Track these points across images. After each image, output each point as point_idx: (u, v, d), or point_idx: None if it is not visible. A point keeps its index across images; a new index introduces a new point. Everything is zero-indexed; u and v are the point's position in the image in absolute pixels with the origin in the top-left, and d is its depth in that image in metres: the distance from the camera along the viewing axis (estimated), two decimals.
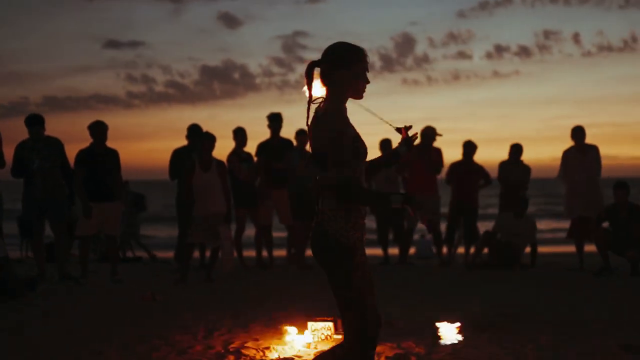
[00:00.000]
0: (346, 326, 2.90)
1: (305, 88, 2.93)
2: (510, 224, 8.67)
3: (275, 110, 9.38)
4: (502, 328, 5.03)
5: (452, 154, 16.27)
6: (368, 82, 2.94)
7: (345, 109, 2.94)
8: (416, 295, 6.62)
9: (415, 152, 8.87)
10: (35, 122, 7.38)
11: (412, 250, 9.89)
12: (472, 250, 9.20)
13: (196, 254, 8.52)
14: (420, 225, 10.27)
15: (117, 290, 7.17)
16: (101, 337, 4.85)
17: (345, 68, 2.88)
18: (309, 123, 2.94)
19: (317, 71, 2.94)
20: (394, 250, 9.63)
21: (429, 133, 8.96)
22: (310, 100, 2.93)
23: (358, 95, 2.95)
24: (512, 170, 9.15)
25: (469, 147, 9.25)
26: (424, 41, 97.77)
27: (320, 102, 2.94)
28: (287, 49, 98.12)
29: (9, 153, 7.18)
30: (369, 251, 3.19)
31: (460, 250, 9.69)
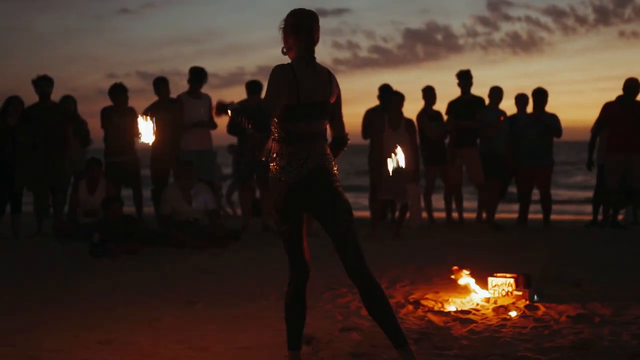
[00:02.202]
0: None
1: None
2: None
3: (479, 71, 9.22)
4: None
5: None
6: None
7: None
8: (607, 258, 6.30)
9: (618, 106, 8.28)
10: (253, 89, 8.20)
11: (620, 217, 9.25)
12: None
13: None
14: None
15: (311, 241, 7.64)
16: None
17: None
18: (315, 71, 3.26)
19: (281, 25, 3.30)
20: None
21: (632, 85, 8.25)
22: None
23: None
24: None
25: None
26: None
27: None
28: (492, 6, 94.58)
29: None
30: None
31: None
